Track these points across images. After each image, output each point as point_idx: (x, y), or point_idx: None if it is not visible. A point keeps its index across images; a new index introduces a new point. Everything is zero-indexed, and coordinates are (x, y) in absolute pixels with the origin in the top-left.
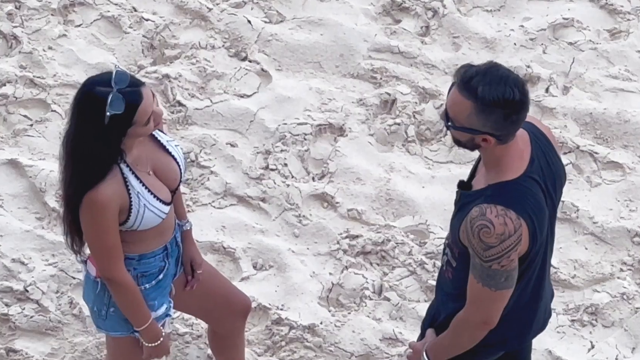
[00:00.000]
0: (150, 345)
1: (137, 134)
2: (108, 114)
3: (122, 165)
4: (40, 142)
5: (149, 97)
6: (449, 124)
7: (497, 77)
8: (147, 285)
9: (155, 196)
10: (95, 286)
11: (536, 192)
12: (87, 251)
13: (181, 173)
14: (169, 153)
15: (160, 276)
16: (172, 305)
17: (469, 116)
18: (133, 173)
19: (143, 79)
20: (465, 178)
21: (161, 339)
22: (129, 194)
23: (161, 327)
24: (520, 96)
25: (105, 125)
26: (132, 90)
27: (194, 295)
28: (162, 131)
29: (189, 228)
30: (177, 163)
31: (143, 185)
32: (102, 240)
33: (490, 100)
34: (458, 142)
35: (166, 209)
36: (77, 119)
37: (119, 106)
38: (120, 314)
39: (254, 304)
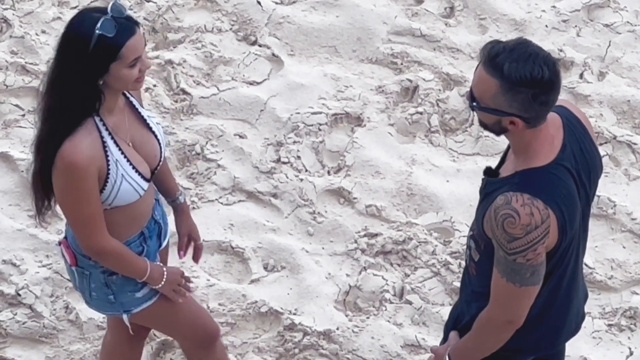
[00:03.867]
0: (160, 286)
1: (119, 75)
2: (97, 32)
3: (101, 127)
4: (32, 133)
5: (142, 39)
6: (474, 104)
7: (525, 55)
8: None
9: (134, 168)
10: (72, 273)
11: (567, 181)
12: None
13: (162, 152)
14: (150, 129)
15: None
16: None
17: (494, 96)
18: (112, 138)
19: None
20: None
21: (165, 274)
22: (107, 160)
23: (159, 264)
24: (550, 75)
25: (89, 52)
26: (126, 23)
27: None
28: (140, 104)
29: (183, 200)
30: (158, 141)
31: (122, 153)
32: (82, 210)
33: (517, 79)
34: (484, 126)
35: (145, 185)
36: (62, 43)
37: (109, 29)
38: (102, 297)
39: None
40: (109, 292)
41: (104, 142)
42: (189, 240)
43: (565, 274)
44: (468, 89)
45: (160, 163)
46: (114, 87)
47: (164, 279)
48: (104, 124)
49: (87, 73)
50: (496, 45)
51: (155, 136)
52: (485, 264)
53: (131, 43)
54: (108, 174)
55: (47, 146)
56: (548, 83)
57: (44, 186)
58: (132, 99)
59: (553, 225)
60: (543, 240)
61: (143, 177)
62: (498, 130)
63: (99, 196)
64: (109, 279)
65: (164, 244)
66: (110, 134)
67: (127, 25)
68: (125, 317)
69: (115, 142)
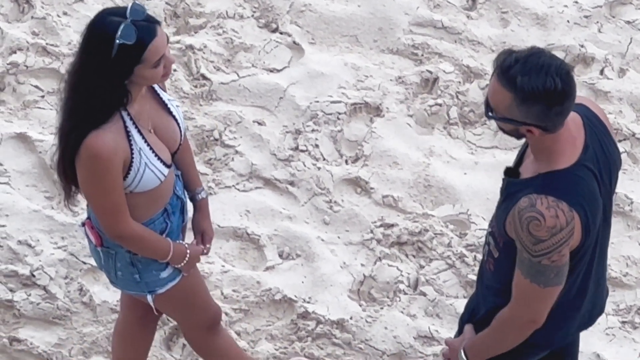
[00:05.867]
0: (181, 265)
1: (144, 76)
2: (117, 41)
3: (126, 117)
4: (51, 115)
5: (164, 37)
6: (490, 113)
7: (537, 66)
8: None
9: (157, 155)
10: (97, 254)
11: (590, 182)
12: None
13: (181, 135)
14: (170, 113)
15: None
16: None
17: (509, 107)
18: (136, 127)
19: None
20: (511, 164)
21: (187, 252)
22: (131, 149)
23: (181, 242)
24: (563, 86)
25: (112, 58)
26: (146, 25)
27: None
28: (163, 89)
29: (204, 197)
30: (178, 124)
31: (145, 141)
32: (106, 199)
33: (530, 92)
34: (503, 131)
35: (166, 171)
36: (84, 49)
37: (130, 36)
38: (128, 276)
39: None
40: (134, 271)
41: (127, 132)
42: (201, 240)
43: (582, 271)
44: (488, 82)
45: (180, 146)
46: (141, 84)
47: (186, 259)
48: (127, 114)
49: (112, 76)
50: (508, 57)
51: (175, 120)
52: (503, 262)
53: (153, 46)
54: (132, 162)
55: (70, 136)
56: (561, 93)
57: (66, 173)
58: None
59: (577, 227)
60: (568, 241)
61: (164, 163)
62: (516, 136)
63: (122, 185)
64: (134, 257)
65: (187, 219)
66: (133, 123)
67: (147, 28)
68: (149, 297)
69: (138, 130)
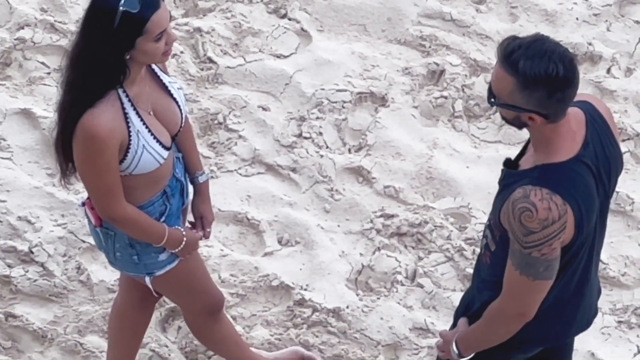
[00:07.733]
0: (178, 250)
1: (145, 50)
2: (121, 8)
3: (124, 99)
4: (57, 92)
5: (166, 12)
6: (492, 100)
7: (540, 51)
8: None
9: (155, 138)
10: (97, 234)
11: (586, 177)
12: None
13: (182, 117)
14: (171, 95)
15: (162, 219)
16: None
17: (511, 93)
18: (134, 109)
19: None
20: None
21: (184, 238)
22: (129, 131)
23: (178, 228)
24: (565, 72)
25: (114, 28)
26: None
27: None
28: (164, 72)
29: (204, 180)
30: (179, 106)
31: (144, 123)
32: (100, 180)
33: (532, 77)
34: (505, 120)
35: (165, 153)
36: (86, 21)
37: (133, 4)
38: (127, 257)
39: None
40: (133, 253)
41: (125, 113)
42: (201, 225)
43: (578, 269)
44: None
45: (181, 129)
46: (140, 61)
47: (182, 245)
48: (126, 95)
49: (113, 48)
50: (512, 42)
51: (176, 102)
52: (499, 255)
53: (156, 17)
54: (129, 144)
55: (69, 114)
56: (563, 80)
57: (64, 151)
58: (153, 66)
59: (570, 221)
60: (559, 235)
61: (164, 146)
62: (518, 125)
63: (118, 167)
64: (133, 239)
65: (187, 201)
66: (132, 104)
67: (151, 0)
68: (147, 279)
69: (137, 112)
